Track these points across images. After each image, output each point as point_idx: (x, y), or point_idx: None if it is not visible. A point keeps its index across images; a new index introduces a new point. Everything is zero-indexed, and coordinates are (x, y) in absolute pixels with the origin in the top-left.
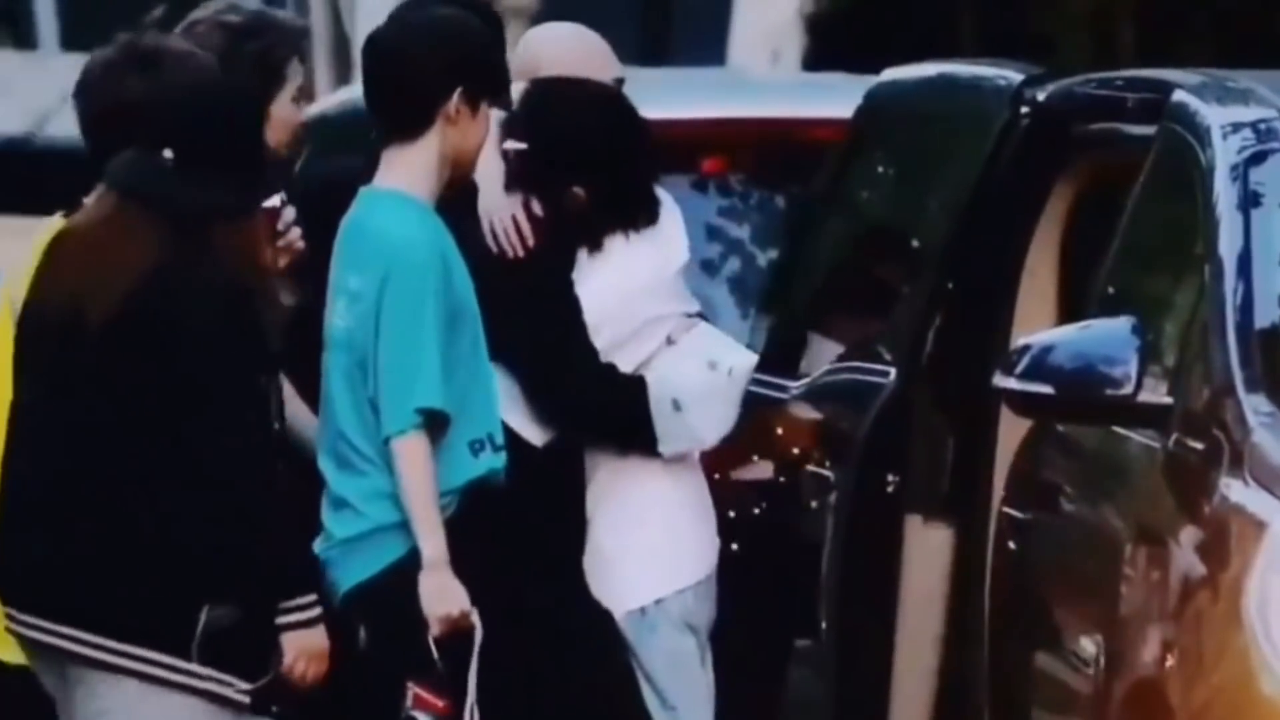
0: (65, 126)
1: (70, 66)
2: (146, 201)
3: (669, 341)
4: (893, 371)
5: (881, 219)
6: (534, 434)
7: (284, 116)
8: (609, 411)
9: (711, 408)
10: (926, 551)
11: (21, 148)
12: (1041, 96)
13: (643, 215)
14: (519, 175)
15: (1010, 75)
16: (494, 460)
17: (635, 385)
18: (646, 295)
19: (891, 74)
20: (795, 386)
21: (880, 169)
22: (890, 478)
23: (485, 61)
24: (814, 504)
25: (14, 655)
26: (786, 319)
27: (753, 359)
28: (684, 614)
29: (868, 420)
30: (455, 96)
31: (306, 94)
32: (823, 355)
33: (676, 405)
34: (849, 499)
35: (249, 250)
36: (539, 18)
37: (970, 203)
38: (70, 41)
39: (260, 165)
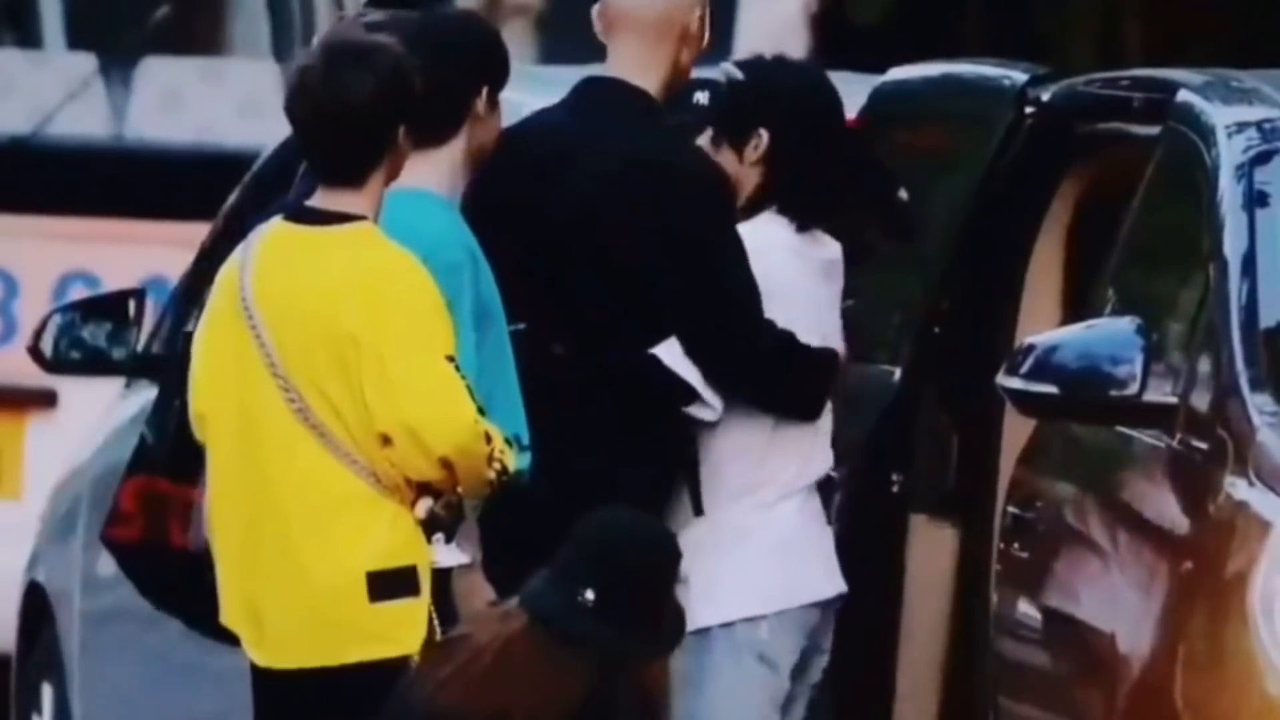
0: (68, 125)
1: (75, 65)
2: (565, 637)
3: None
4: (897, 370)
5: None
6: (707, 411)
7: None
8: (791, 378)
9: None
10: (931, 550)
11: (23, 147)
12: (1046, 96)
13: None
14: (709, 116)
15: (1015, 75)
16: (521, 460)
17: (814, 353)
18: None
19: (896, 73)
20: None
21: None
22: (894, 476)
23: (503, 58)
24: None
25: (272, 660)
26: None
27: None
28: (751, 643)
29: (872, 419)
30: (484, 95)
31: None
32: None
33: None
34: (853, 498)
35: (657, 685)
36: (542, 17)
37: (975, 202)
38: (75, 41)
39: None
